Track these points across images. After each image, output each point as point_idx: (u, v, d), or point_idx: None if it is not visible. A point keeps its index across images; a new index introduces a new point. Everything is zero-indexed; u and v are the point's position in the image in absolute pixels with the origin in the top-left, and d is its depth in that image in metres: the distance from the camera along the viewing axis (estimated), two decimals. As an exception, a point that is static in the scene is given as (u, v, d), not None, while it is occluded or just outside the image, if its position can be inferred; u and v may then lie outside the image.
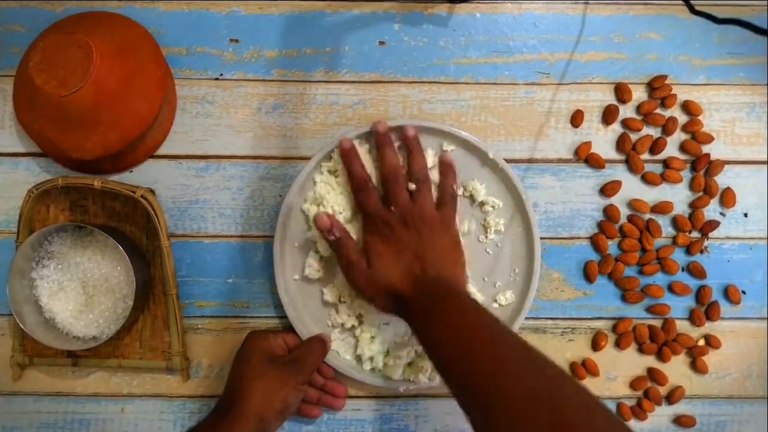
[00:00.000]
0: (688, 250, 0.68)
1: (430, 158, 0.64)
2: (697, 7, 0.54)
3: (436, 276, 0.59)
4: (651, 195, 0.68)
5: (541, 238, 0.65)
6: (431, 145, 0.65)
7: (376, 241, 0.60)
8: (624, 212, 0.68)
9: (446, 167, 0.64)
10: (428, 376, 0.65)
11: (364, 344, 0.65)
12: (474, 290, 0.66)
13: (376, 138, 0.63)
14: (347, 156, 0.63)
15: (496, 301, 0.66)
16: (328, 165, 0.64)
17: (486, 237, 0.66)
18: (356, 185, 0.62)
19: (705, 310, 0.68)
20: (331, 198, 0.63)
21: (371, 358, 0.65)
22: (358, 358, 0.66)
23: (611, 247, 0.68)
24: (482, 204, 0.65)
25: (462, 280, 0.62)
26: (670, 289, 0.68)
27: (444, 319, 0.55)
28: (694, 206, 0.68)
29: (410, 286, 0.58)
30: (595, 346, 0.68)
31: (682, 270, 0.68)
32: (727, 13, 0.66)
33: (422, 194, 0.62)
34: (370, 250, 0.60)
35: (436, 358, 0.55)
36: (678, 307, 0.68)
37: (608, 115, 0.67)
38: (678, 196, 0.68)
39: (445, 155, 0.65)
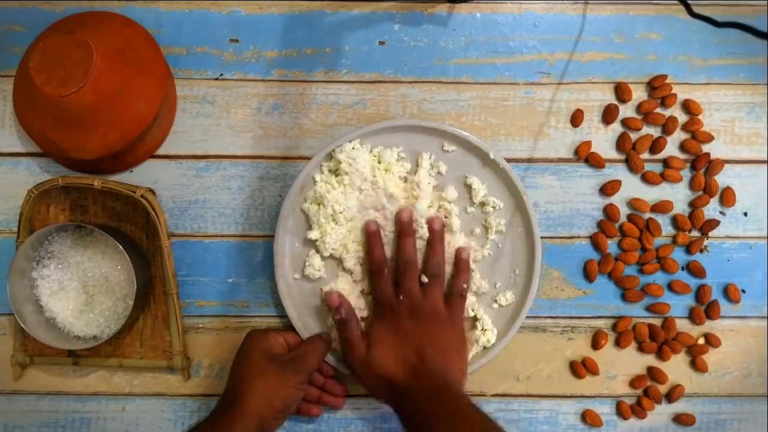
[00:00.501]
0: (688, 249, 0.68)
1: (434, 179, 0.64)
2: (696, 9, 0.54)
3: (435, 371, 0.59)
4: (651, 194, 0.68)
5: (541, 238, 0.65)
6: (431, 146, 0.65)
7: (381, 327, 0.62)
8: (624, 211, 0.68)
9: (461, 264, 0.64)
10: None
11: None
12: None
13: (399, 226, 0.63)
14: (371, 239, 0.63)
15: (496, 301, 0.66)
16: (329, 164, 0.64)
17: (486, 237, 0.66)
18: (373, 269, 0.63)
19: (705, 308, 0.68)
20: (331, 197, 0.63)
21: None
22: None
23: (611, 246, 0.68)
24: (483, 204, 0.65)
25: (461, 378, 0.62)
26: (670, 288, 0.68)
27: (435, 419, 0.55)
28: (694, 205, 0.68)
29: (406, 376, 0.59)
30: (595, 344, 0.68)
31: (682, 269, 0.68)
32: (727, 14, 0.66)
33: (433, 289, 0.62)
34: (372, 334, 0.62)
35: None
36: (678, 305, 0.68)
37: (608, 115, 0.67)
38: (678, 195, 0.68)
39: (462, 251, 0.64)
